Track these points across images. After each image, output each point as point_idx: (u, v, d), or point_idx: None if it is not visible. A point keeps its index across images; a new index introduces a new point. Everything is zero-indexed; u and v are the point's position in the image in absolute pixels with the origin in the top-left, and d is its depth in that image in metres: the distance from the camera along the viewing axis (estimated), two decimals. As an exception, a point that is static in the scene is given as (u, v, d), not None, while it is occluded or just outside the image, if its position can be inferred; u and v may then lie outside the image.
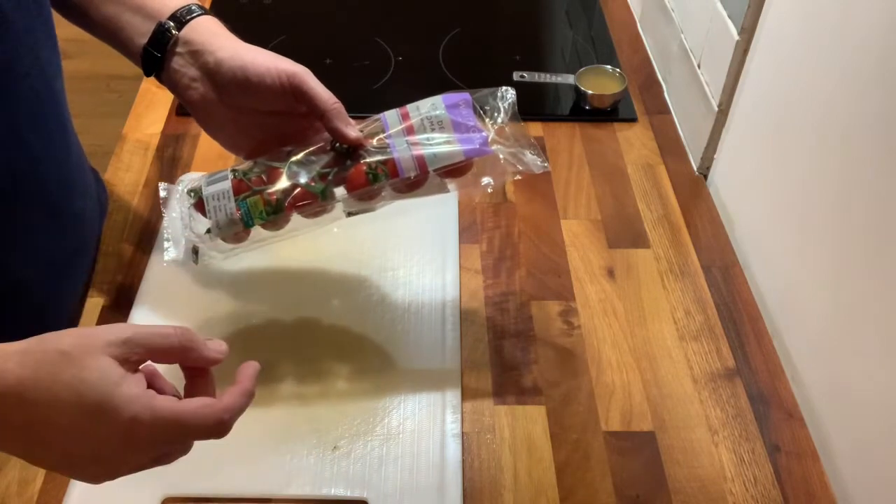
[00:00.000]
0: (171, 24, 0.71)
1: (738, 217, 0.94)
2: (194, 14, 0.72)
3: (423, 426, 0.73)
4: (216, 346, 0.55)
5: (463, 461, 0.71)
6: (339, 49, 1.20)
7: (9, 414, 0.47)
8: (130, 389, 0.49)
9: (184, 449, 0.54)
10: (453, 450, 0.72)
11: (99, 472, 0.52)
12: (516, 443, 0.74)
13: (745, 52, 0.90)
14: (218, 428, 0.52)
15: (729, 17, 0.91)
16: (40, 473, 0.70)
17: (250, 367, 0.55)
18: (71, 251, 0.80)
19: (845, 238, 0.73)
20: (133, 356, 0.50)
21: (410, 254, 0.88)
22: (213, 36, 0.71)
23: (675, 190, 0.99)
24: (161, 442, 0.51)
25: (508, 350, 0.81)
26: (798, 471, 0.73)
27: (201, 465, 0.69)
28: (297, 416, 0.73)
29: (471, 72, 1.16)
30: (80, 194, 0.81)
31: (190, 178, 0.75)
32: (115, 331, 0.50)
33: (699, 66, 1.00)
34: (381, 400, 0.75)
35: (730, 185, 0.97)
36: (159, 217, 0.91)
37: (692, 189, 1.00)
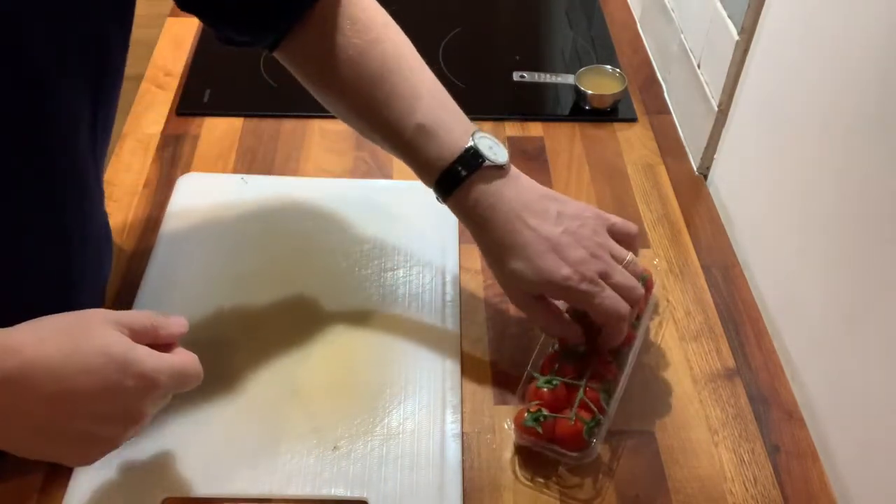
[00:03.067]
0: (460, 168, 0.71)
1: (738, 217, 0.94)
2: (459, 182, 0.71)
3: (423, 426, 0.73)
4: (177, 321, 0.62)
5: (463, 461, 0.71)
6: (339, 49, 1.19)
7: (39, 385, 0.52)
8: (144, 349, 0.57)
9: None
10: (453, 450, 0.72)
11: (118, 431, 0.57)
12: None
13: (745, 52, 0.90)
14: (193, 376, 0.61)
15: (729, 17, 0.91)
16: (40, 473, 0.70)
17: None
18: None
19: (845, 238, 0.73)
20: (124, 333, 0.57)
21: (410, 254, 0.88)
22: (492, 208, 0.71)
23: (675, 190, 0.99)
24: (169, 391, 0.59)
25: (508, 350, 0.81)
26: (798, 471, 0.73)
27: (201, 466, 0.69)
28: (298, 416, 0.73)
29: (471, 72, 1.16)
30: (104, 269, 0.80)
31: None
32: (102, 313, 0.57)
33: (699, 66, 1.00)
34: (381, 400, 0.75)
35: (730, 185, 0.97)
36: (159, 217, 0.91)
37: (692, 189, 1.00)
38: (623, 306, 0.70)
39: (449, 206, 0.74)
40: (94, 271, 0.76)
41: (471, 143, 0.72)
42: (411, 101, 0.73)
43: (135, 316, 0.59)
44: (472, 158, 0.71)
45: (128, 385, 0.55)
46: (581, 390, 0.70)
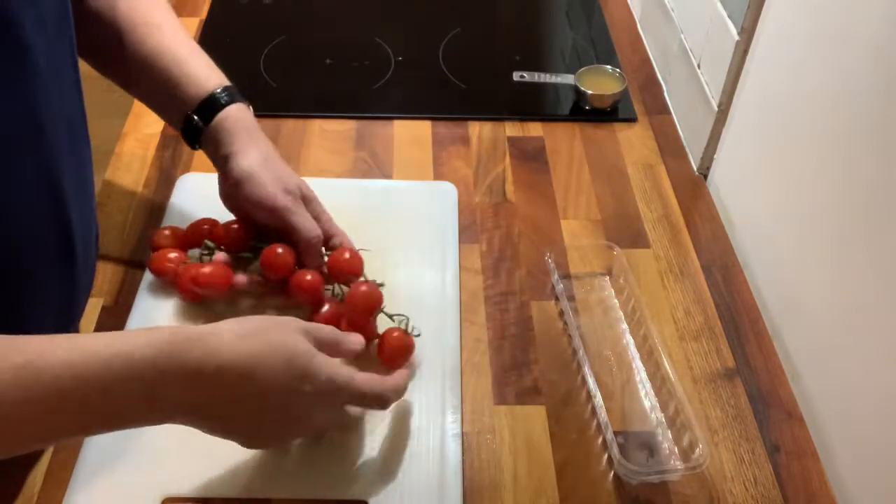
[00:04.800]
0: (197, 118, 0.79)
1: (738, 217, 0.94)
2: (219, 107, 0.79)
3: (423, 426, 0.73)
4: (356, 338, 0.70)
5: (463, 461, 0.71)
6: (339, 49, 1.20)
7: (231, 384, 0.58)
8: (324, 358, 0.63)
9: (342, 419, 0.69)
10: (453, 450, 0.72)
11: (289, 431, 0.66)
12: (516, 443, 0.74)
13: (745, 52, 0.90)
14: (382, 398, 0.66)
15: (729, 17, 0.91)
16: (40, 474, 0.70)
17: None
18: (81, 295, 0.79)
19: (845, 238, 0.73)
20: (310, 342, 0.63)
21: (410, 254, 0.88)
22: (231, 136, 0.79)
23: (675, 190, 0.99)
24: (341, 402, 0.66)
25: (508, 350, 0.81)
26: (798, 471, 0.73)
27: (201, 465, 0.69)
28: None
29: (471, 72, 1.16)
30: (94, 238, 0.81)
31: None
32: (296, 322, 0.64)
33: (699, 66, 1.00)
34: (381, 400, 0.75)
35: (730, 185, 0.97)
36: (159, 217, 0.91)
37: (692, 189, 1.00)
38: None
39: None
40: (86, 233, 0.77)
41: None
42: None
43: (322, 329, 0.66)
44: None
45: (306, 390, 0.61)
46: None
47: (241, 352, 0.58)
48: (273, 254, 0.79)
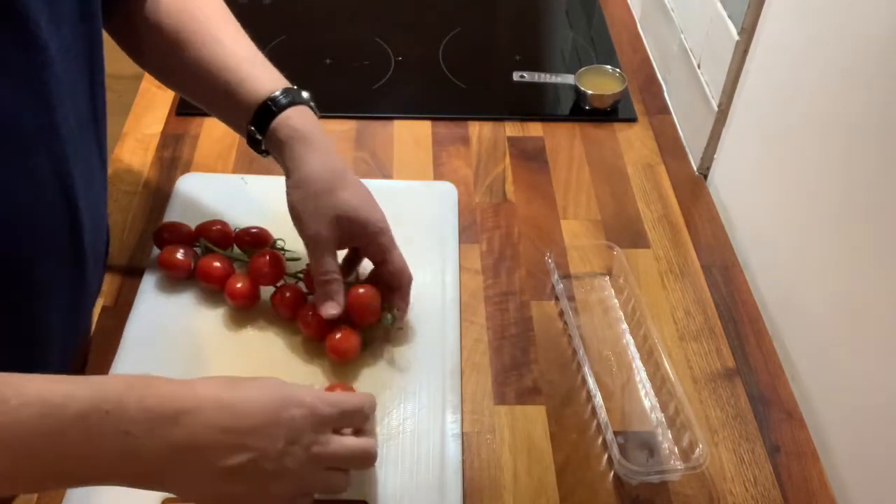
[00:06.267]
0: (254, 129, 0.75)
1: (738, 217, 0.94)
2: (273, 114, 0.74)
3: (423, 426, 0.73)
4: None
5: (463, 461, 0.71)
6: (339, 49, 1.20)
7: (213, 416, 0.55)
8: (304, 388, 0.61)
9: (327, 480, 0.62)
10: (453, 450, 0.72)
11: (293, 464, 0.58)
12: (516, 443, 0.74)
13: (745, 52, 0.90)
14: (365, 409, 0.64)
15: (729, 17, 0.91)
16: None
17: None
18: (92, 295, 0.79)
19: (845, 238, 0.73)
20: None
21: (410, 254, 0.87)
22: (284, 147, 0.75)
23: (675, 190, 0.99)
24: (334, 422, 0.61)
25: (508, 350, 0.81)
26: (798, 471, 0.73)
27: (201, 465, 0.69)
28: (297, 416, 0.73)
29: (471, 72, 1.16)
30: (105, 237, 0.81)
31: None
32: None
33: (699, 66, 1.00)
34: (380, 400, 0.75)
35: (730, 185, 0.97)
36: (159, 217, 0.91)
37: (692, 189, 1.00)
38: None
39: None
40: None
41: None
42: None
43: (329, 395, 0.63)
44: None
45: (292, 414, 0.58)
46: None
47: (222, 384, 0.58)
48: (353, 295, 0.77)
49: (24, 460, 0.50)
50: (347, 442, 0.62)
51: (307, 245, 0.75)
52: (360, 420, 0.63)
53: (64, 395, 0.51)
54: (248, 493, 0.57)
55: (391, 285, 0.77)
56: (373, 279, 0.79)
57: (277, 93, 0.75)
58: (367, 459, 0.63)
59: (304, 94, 0.77)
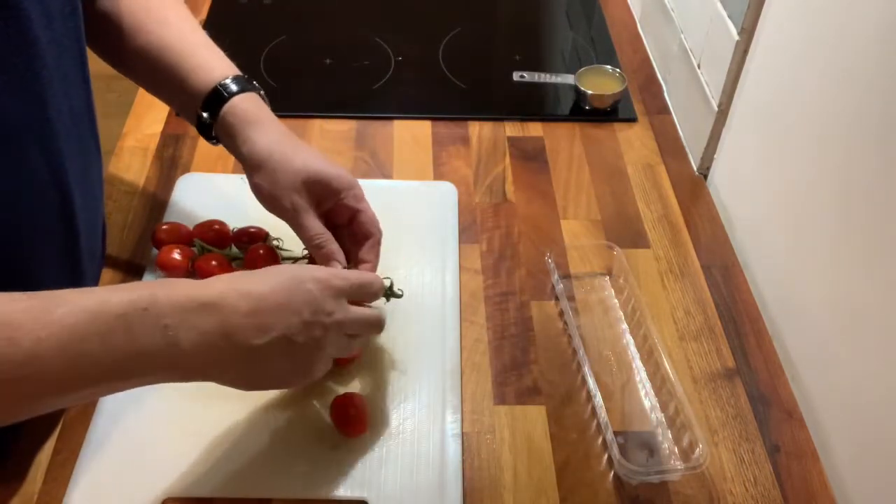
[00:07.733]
0: (206, 114, 0.75)
1: (738, 217, 0.94)
2: (224, 99, 0.75)
3: (423, 426, 0.73)
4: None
5: (463, 461, 0.71)
6: (339, 49, 1.20)
7: (236, 305, 0.58)
8: (313, 267, 0.66)
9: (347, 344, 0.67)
10: (453, 450, 0.72)
11: (318, 333, 0.62)
12: (516, 443, 0.74)
13: (745, 52, 0.90)
14: (375, 286, 0.69)
15: (729, 17, 0.91)
16: (40, 473, 0.70)
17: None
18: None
19: (845, 238, 0.73)
20: None
21: (410, 254, 0.88)
22: (236, 130, 0.75)
23: (675, 190, 0.99)
24: (350, 294, 0.66)
25: (508, 350, 0.81)
26: (798, 471, 0.73)
27: (201, 466, 0.69)
28: (298, 416, 0.73)
29: (471, 72, 1.16)
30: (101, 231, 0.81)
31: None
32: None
33: (699, 66, 1.00)
34: (380, 400, 0.75)
35: (730, 185, 0.97)
36: (159, 217, 0.91)
37: (692, 189, 1.00)
38: None
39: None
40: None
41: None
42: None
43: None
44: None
45: (308, 288, 0.62)
46: None
47: (236, 277, 0.61)
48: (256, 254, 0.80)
49: (77, 360, 0.52)
50: (362, 310, 0.67)
51: (288, 220, 0.75)
52: (370, 295, 0.68)
53: (100, 301, 0.54)
54: (292, 367, 0.63)
55: (365, 235, 0.76)
56: (339, 240, 0.78)
57: (228, 80, 0.75)
58: (379, 325, 0.69)
59: (255, 83, 0.78)
